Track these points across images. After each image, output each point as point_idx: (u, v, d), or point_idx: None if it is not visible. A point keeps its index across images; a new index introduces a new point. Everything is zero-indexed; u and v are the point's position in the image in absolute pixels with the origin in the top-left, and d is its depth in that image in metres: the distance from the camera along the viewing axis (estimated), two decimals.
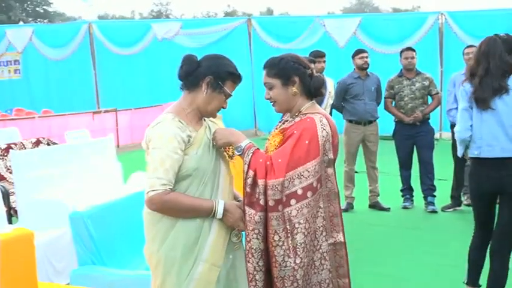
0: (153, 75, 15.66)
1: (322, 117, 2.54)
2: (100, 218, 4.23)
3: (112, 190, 5.56)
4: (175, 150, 2.42)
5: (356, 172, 7.24)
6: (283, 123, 2.68)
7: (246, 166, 2.46)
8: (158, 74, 15.44)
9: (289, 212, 2.39)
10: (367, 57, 6.96)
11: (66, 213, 4.27)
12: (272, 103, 2.65)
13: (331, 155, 2.54)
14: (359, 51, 7.04)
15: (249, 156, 2.47)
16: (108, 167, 5.99)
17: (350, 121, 7.05)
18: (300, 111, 2.59)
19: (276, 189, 2.38)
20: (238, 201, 2.62)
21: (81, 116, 12.93)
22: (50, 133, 10.91)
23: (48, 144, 6.23)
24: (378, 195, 7.11)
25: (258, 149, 2.54)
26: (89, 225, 4.02)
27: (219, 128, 2.65)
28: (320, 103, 6.57)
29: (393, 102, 7.10)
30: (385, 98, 7.08)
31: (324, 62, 6.75)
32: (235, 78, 2.57)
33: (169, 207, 2.43)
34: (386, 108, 7.15)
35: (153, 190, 2.39)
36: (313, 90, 2.61)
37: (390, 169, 8.46)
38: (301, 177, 2.41)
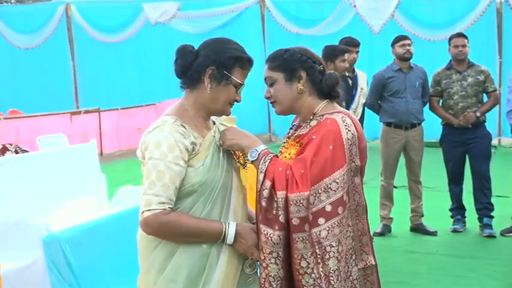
0: (145, 68, 15.71)
1: (344, 116, 2.57)
2: (80, 242, 4.25)
3: (95, 208, 5.58)
4: (177, 160, 2.43)
5: (395, 187, 7.22)
6: (296, 130, 2.71)
7: (262, 175, 2.48)
8: (151, 66, 15.48)
9: (318, 232, 2.41)
10: (409, 45, 6.94)
11: (39, 236, 4.29)
12: (272, 103, 2.69)
13: (358, 162, 2.56)
14: (400, 38, 7.02)
15: (266, 164, 2.49)
16: (89, 179, 6.01)
17: (388, 124, 7.03)
18: (315, 113, 2.63)
19: (301, 205, 2.39)
20: (253, 223, 2.63)
21: (57, 118, 12.98)
22: (18, 138, 10.96)
23: (16, 152, 6.25)
24: (422, 215, 7.08)
25: (276, 156, 2.56)
26: (67, 250, 4.04)
27: (231, 127, 2.66)
28: (350, 103, 6.58)
29: (440, 101, 7.08)
30: (430, 96, 7.06)
31: (357, 52, 6.76)
32: (244, 62, 2.59)
33: (168, 231, 2.43)
34: (431, 108, 7.13)
35: (149, 210, 2.40)
36: (327, 89, 2.64)
37: (437, 183, 8.42)
38: (329, 190, 2.43)
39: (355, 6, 14.05)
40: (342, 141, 2.48)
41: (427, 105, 7.13)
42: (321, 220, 2.42)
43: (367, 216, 2.65)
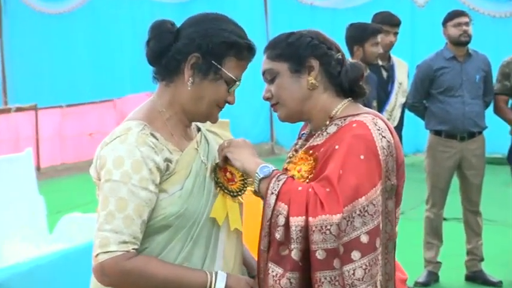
0: (102, 50, 15.71)
1: (375, 118, 2.59)
2: None
3: (30, 243, 5.57)
4: (145, 184, 2.42)
5: (444, 219, 7.23)
6: (306, 140, 2.72)
7: (274, 197, 2.47)
8: (110, 47, 15.49)
9: (352, 271, 2.41)
10: (467, 23, 6.94)
11: None
12: (274, 105, 2.71)
13: (394, 180, 2.59)
14: (455, 14, 7.02)
15: (280, 183, 2.49)
16: (23, 203, 6.01)
17: (438, 133, 7.03)
18: (332, 117, 2.65)
19: (328, 232, 2.39)
20: (250, 274, 2.66)
21: None
22: None
23: None
24: (482, 259, 7.09)
25: (292, 177, 2.56)
26: None
27: (234, 139, 2.67)
28: (384, 102, 6.60)
29: (510, 102, 7.10)
30: (495, 94, 7.08)
31: (396, 34, 6.79)
32: (241, 50, 2.59)
33: (132, 281, 2.43)
34: (497, 110, 7.14)
35: (106, 252, 2.39)
36: (348, 84, 2.67)
37: (503, 216, 8.44)
38: (366, 214, 2.44)
39: None
40: (376, 150, 2.50)
41: (491, 107, 7.15)
42: (356, 254, 2.42)
43: (395, 254, 2.67)
